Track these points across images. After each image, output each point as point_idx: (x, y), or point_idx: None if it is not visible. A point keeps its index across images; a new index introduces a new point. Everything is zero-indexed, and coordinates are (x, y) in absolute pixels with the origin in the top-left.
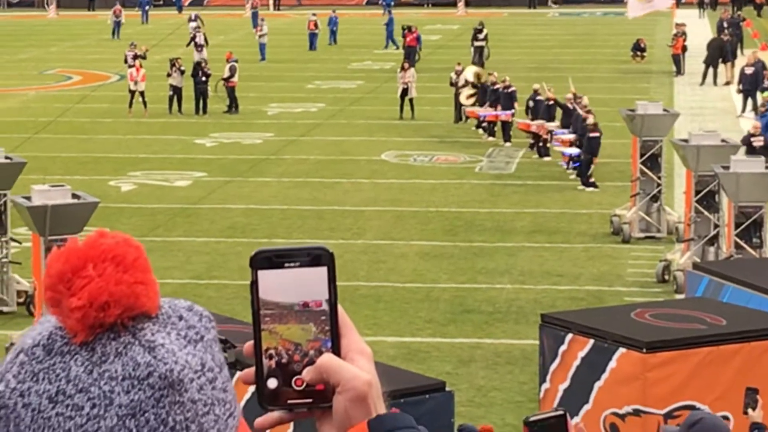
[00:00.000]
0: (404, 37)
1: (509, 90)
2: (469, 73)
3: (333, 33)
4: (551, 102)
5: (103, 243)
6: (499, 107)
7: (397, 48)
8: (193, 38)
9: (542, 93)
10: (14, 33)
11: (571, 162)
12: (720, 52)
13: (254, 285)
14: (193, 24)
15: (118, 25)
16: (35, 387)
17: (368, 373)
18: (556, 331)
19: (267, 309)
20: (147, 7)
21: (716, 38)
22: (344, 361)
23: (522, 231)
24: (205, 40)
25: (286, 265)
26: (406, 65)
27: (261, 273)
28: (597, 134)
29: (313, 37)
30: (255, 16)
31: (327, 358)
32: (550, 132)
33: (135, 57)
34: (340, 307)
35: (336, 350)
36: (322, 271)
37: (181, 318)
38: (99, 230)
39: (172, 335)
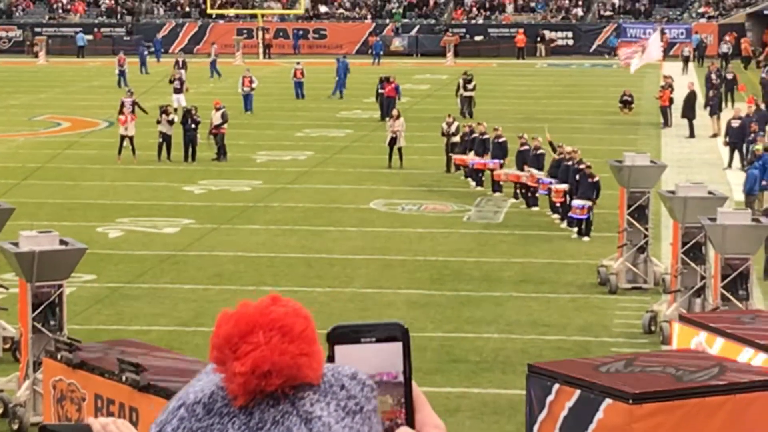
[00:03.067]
0: (382, 88)
1: (500, 140)
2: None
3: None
4: (540, 151)
5: (273, 311)
6: (487, 156)
7: (341, 97)
8: (172, 81)
9: (543, 139)
10: (4, 79)
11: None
12: (693, 105)
13: (331, 359)
14: (181, 71)
15: (122, 74)
16: None
17: None
18: (543, 381)
19: None
20: (146, 55)
21: (691, 92)
22: None
23: (509, 280)
24: (181, 84)
25: (363, 340)
26: (395, 114)
27: (338, 348)
28: (597, 179)
29: (298, 85)
30: (213, 64)
31: (405, 431)
32: (539, 180)
33: (133, 104)
34: (414, 382)
35: (410, 423)
36: (398, 347)
37: (342, 387)
38: (273, 296)
39: (331, 406)
